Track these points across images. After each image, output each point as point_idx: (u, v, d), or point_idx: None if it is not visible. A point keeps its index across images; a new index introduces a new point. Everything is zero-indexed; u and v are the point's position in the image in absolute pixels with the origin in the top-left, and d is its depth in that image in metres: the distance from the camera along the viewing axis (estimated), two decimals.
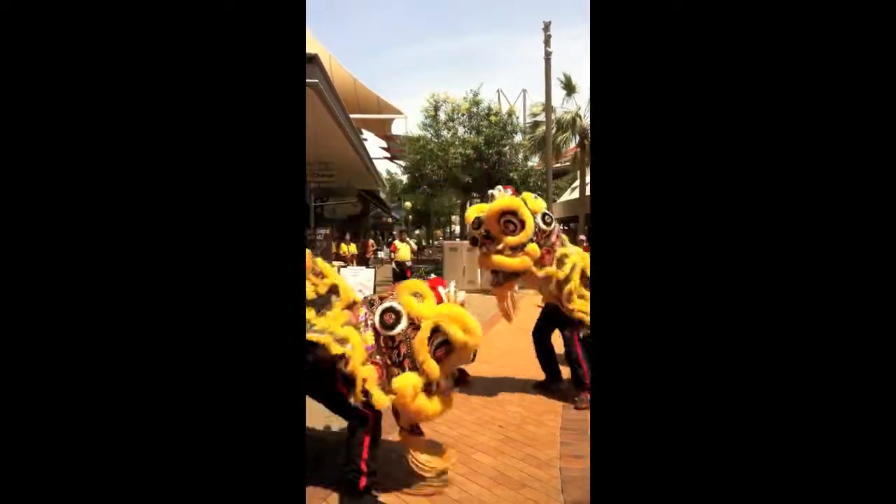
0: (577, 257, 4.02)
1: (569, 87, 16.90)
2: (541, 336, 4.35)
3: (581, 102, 18.05)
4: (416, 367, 2.44)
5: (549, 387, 4.25)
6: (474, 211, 4.15)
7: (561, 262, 3.95)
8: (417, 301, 2.54)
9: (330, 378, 2.48)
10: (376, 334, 2.51)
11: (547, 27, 14.70)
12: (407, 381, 2.39)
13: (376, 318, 2.52)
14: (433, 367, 2.41)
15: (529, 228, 3.85)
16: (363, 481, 2.39)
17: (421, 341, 2.43)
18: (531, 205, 3.92)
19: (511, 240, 3.84)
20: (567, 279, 3.90)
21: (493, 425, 3.53)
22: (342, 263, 8.13)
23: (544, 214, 3.99)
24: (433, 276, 2.71)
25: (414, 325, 2.49)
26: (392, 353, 2.48)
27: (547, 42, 14.58)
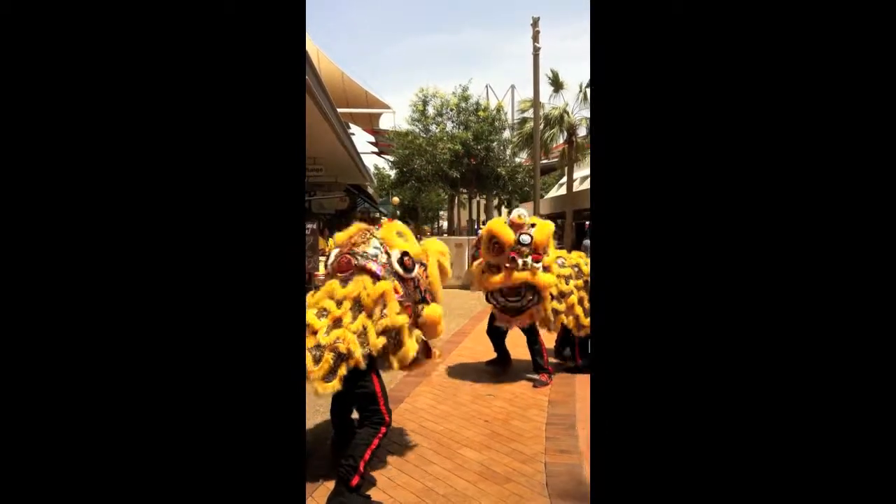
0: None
1: (556, 84, 16.93)
2: (494, 326, 4.78)
3: (568, 99, 18.09)
4: (434, 299, 2.92)
5: (499, 366, 4.80)
6: (502, 226, 4.35)
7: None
8: (404, 240, 2.94)
9: (367, 377, 2.57)
10: (401, 280, 2.76)
11: (536, 23, 14.71)
12: (436, 311, 2.89)
13: (396, 265, 2.76)
14: (442, 294, 3.03)
15: (553, 253, 4.48)
16: (356, 480, 2.41)
17: (435, 276, 2.94)
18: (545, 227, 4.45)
19: (548, 260, 4.37)
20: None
21: (479, 420, 3.54)
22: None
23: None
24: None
25: (420, 263, 2.89)
26: (415, 293, 2.83)
27: (535, 38, 14.59)
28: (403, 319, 2.67)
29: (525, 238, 4.21)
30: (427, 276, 2.91)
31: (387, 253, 2.79)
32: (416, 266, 2.84)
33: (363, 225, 2.99)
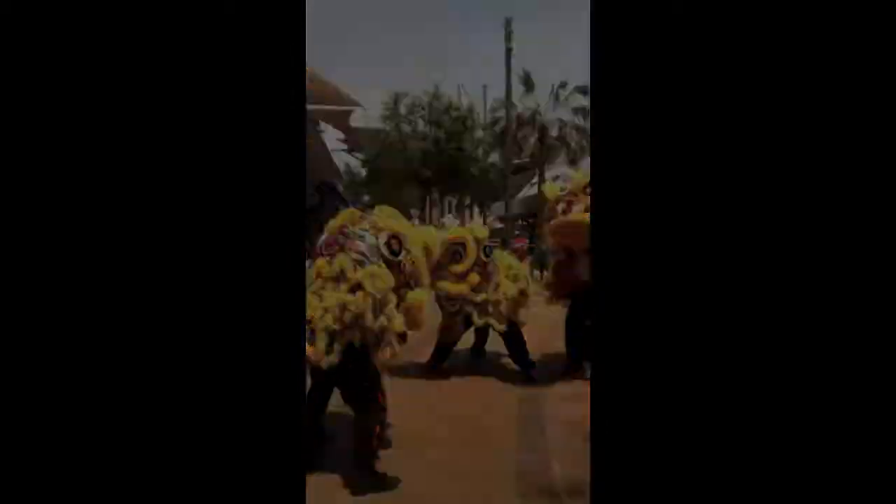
0: (507, 282, 4.48)
1: (528, 84, 17.06)
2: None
3: (540, 100, 18.20)
4: (418, 284, 2.86)
5: (433, 368, 4.63)
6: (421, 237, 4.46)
7: (496, 290, 4.40)
8: (396, 223, 2.88)
9: (369, 357, 2.59)
10: (388, 263, 2.68)
11: (508, 23, 14.80)
12: (420, 297, 2.81)
13: (383, 248, 2.71)
14: (427, 279, 3.00)
15: (471, 259, 4.32)
16: (376, 465, 2.51)
17: (421, 261, 2.89)
18: (476, 233, 4.42)
19: (455, 268, 4.27)
20: (498, 301, 4.38)
21: (448, 418, 3.52)
22: None
23: (485, 246, 4.42)
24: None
25: (406, 249, 2.82)
26: (399, 277, 2.73)
27: (508, 38, 14.68)
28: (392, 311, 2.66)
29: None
30: (412, 262, 2.86)
31: (375, 236, 2.76)
32: (403, 251, 2.79)
33: (356, 211, 2.96)
